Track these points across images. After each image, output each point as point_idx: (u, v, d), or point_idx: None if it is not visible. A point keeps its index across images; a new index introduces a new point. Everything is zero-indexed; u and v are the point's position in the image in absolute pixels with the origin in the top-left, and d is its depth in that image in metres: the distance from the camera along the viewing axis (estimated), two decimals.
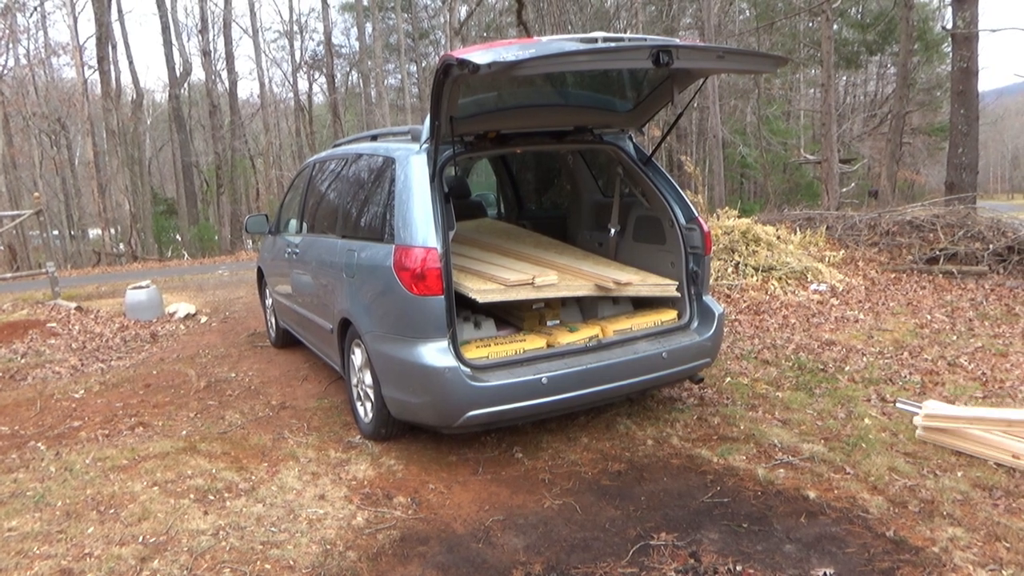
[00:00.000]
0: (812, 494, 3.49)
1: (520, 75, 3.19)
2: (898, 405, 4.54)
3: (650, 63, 3.25)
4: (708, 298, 4.47)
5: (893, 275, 8.95)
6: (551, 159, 5.92)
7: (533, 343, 4.09)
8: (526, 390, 3.77)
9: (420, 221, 3.78)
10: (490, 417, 3.75)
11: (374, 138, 4.92)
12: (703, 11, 21.64)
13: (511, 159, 6.28)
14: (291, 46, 32.86)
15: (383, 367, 4.03)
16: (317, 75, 34.46)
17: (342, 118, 30.20)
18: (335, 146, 5.86)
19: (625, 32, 28.55)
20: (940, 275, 8.73)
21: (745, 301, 7.78)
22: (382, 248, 4.00)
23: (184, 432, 4.73)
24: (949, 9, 14.10)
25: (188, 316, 8.89)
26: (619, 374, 3.99)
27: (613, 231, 4.94)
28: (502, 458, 4.10)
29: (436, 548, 3.17)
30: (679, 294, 4.44)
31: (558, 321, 4.46)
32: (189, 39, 47.41)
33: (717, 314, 4.39)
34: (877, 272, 9.12)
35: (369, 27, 30.65)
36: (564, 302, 4.58)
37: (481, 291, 3.94)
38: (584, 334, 4.20)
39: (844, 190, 19.24)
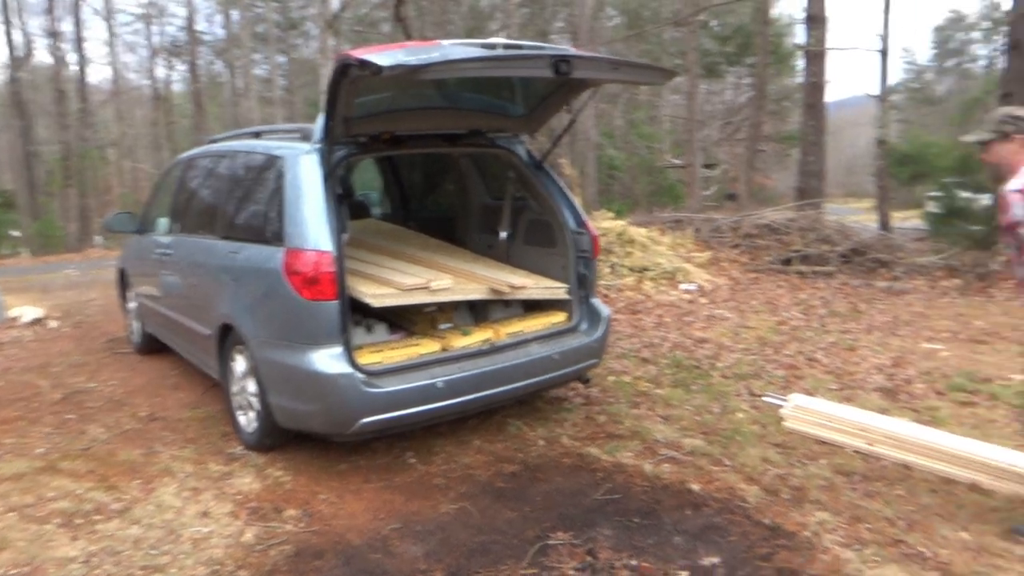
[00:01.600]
0: (696, 487, 3.69)
1: (421, 79, 3.16)
2: (765, 399, 4.88)
3: (550, 72, 3.31)
4: (596, 300, 4.61)
5: (754, 275, 9.58)
6: (438, 160, 5.89)
7: (428, 347, 4.07)
8: (422, 395, 3.74)
9: (312, 223, 3.66)
10: (385, 423, 3.69)
11: (257, 135, 4.71)
12: (576, 16, 22.22)
13: (397, 159, 6.20)
14: (148, 30, 30.70)
15: (270, 374, 3.87)
16: (177, 63, 32.50)
17: (205, 109, 28.63)
18: (211, 142, 5.57)
19: (499, 34, 28.82)
20: (794, 275, 9.44)
21: (622, 301, 8.08)
22: (269, 250, 3.84)
23: (41, 450, 4.35)
24: (802, 27, 15.21)
25: (35, 321, 8.15)
26: (513, 376, 4.04)
27: (504, 234, 4.99)
28: (394, 464, 4.05)
29: (333, 562, 3.09)
30: (569, 297, 4.54)
31: (451, 324, 4.46)
32: (32, 18, 43.39)
33: (604, 316, 4.53)
34: (740, 272, 9.73)
35: (235, 14, 29.25)
36: (456, 305, 4.58)
37: (376, 295, 3.87)
38: (478, 337, 4.22)
39: (706, 193, 20.37)
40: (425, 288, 4.03)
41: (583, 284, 4.53)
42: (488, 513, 3.48)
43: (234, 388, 4.37)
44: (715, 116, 39.43)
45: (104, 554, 3.15)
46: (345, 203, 3.93)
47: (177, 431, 4.61)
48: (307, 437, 4.14)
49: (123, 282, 6.72)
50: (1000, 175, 3.16)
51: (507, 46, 3.35)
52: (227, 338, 4.34)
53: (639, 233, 9.64)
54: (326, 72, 21.07)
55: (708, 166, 21.66)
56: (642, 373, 5.51)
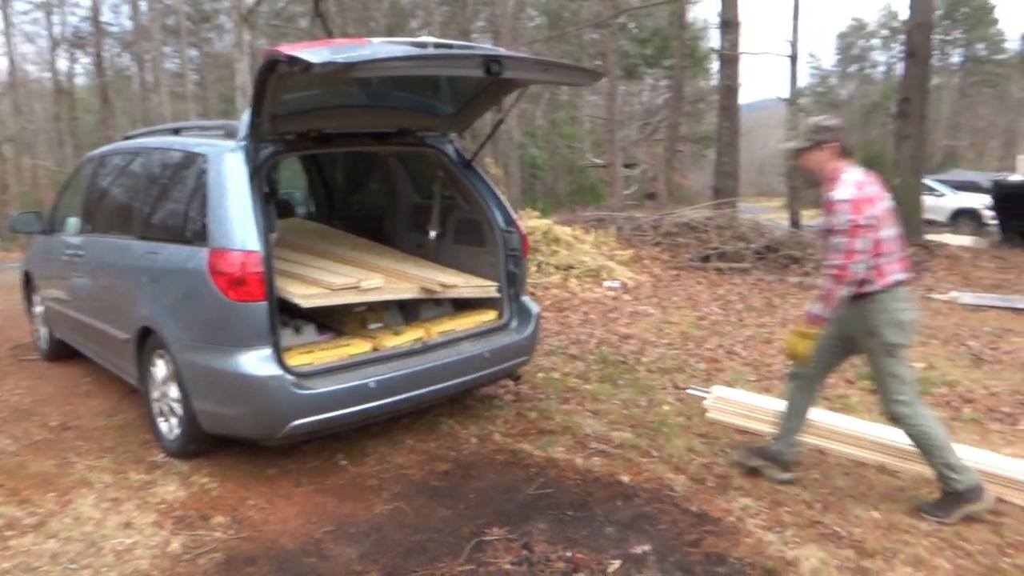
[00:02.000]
0: (626, 478, 3.78)
1: (352, 77, 3.14)
2: (689, 391, 5.05)
3: (481, 72, 3.34)
4: (526, 298, 4.67)
5: (675, 272, 9.87)
6: (364, 159, 5.83)
7: (359, 347, 4.03)
8: (354, 395, 3.71)
9: (238, 222, 3.57)
10: (317, 425, 3.64)
11: (177, 131, 4.56)
12: (497, 16, 22.31)
13: (322, 158, 6.10)
14: (48, 20, 29.04)
15: (194, 378, 3.76)
16: (81, 55, 30.88)
17: (112, 104, 27.34)
18: (126, 138, 5.35)
19: (421, 32, 28.66)
20: (712, 271, 9.77)
21: (549, 299, 8.18)
22: (192, 251, 3.73)
23: None
24: (716, 31, 15.72)
25: None
26: (445, 375, 4.05)
27: (433, 233, 4.99)
28: (325, 467, 4.00)
29: (266, 567, 3.03)
30: (499, 295, 4.58)
31: (381, 324, 4.43)
32: None
33: (534, 313, 4.59)
34: (661, 269, 10.00)
35: (144, 5, 28.04)
36: (386, 305, 4.55)
37: (305, 296, 3.81)
38: (409, 336, 4.21)
39: (626, 192, 20.81)
40: (355, 288, 3.99)
41: (513, 282, 4.57)
42: (423, 512, 3.48)
43: (154, 394, 4.22)
44: (634, 117, 40.31)
45: (19, 571, 2.99)
46: (272, 202, 3.84)
47: (92, 440, 4.42)
48: (234, 442, 4.04)
49: (28, 285, 6.38)
50: (814, 181, 3.43)
51: (437, 45, 3.36)
52: (146, 342, 4.19)
53: (564, 232, 9.79)
54: (241, 67, 20.49)
55: (628, 166, 22.14)
56: (570, 369, 5.61)
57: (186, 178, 4.07)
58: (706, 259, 10.04)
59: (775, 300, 8.35)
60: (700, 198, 22.03)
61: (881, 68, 60.00)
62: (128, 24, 31.20)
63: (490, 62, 3.38)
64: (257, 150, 3.73)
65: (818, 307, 3.30)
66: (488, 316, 4.59)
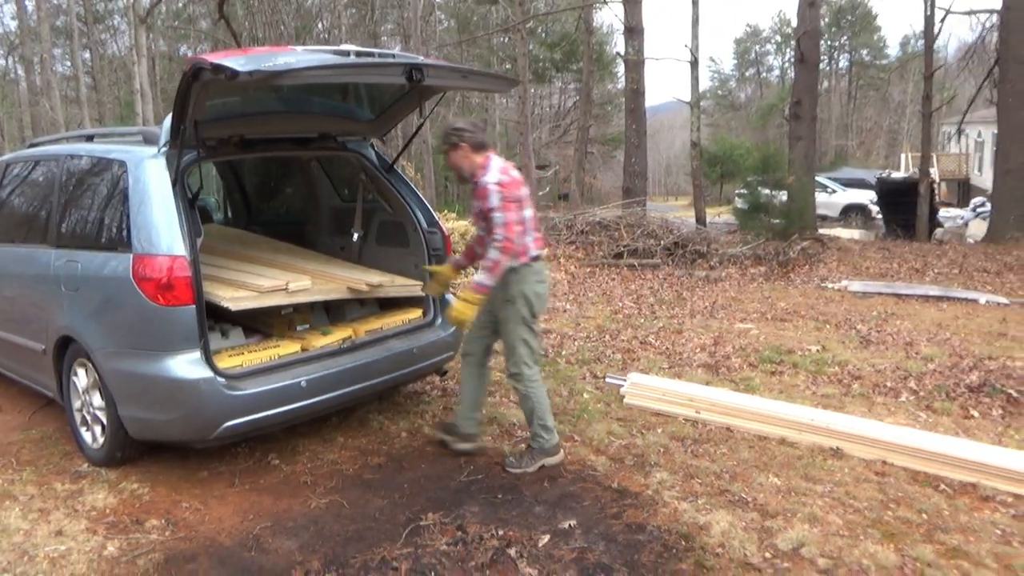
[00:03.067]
0: None
1: (278, 85, 3.23)
2: (607, 380, 5.33)
3: (404, 79, 3.48)
4: (449, 296, 4.82)
5: (589, 269, 10.22)
6: (282, 164, 5.86)
7: (288, 348, 4.10)
8: (285, 395, 3.79)
9: (163, 228, 3.59)
10: (250, 425, 3.70)
11: (90, 138, 4.50)
12: (407, 19, 22.33)
13: (238, 164, 6.08)
14: None
15: (121, 385, 3.75)
16: None
17: None
18: (31, 146, 5.20)
19: (329, 36, 28.33)
20: (625, 268, 10.17)
21: None
22: (116, 258, 3.72)
23: None
24: (622, 37, 16.26)
25: None
26: (374, 372, 4.17)
27: (356, 236, 5.08)
28: (258, 467, 4.05)
29: (207, 563, 3.10)
30: (424, 293, 4.73)
31: (308, 325, 4.50)
32: None
33: None
34: (576, 267, 10.34)
35: (30, 5, 26.60)
36: (312, 307, 4.63)
37: (233, 299, 3.86)
38: (338, 336, 4.31)
39: (540, 193, 21.22)
40: (284, 290, 4.06)
41: None
42: (359, 504, 3.60)
43: (76, 404, 4.17)
44: (545, 119, 41.03)
45: None
46: (196, 207, 3.87)
47: (9, 454, 4.31)
48: (162, 448, 4.04)
49: None
50: (463, 176, 3.87)
51: (359, 53, 3.48)
52: (66, 352, 4.13)
53: None
54: (140, 70, 19.77)
55: (541, 167, 22.57)
56: (494, 364, 5.78)
57: (104, 185, 4.04)
58: (619, 256, 10.44)
59: (684, 293, 8.80)
60: (611, 198, 22.69)
61: (776, 72, 63.15)
62: (12, 25, 29.50)
63: (412, 70, 3.53)
64: (179, 156, 3.75)
65: (483, 276, 3.69)
66: (414, 314, 4.73)
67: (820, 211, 19.81)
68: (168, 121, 3.70)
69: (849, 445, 4.09)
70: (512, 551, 3.06)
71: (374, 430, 4.48)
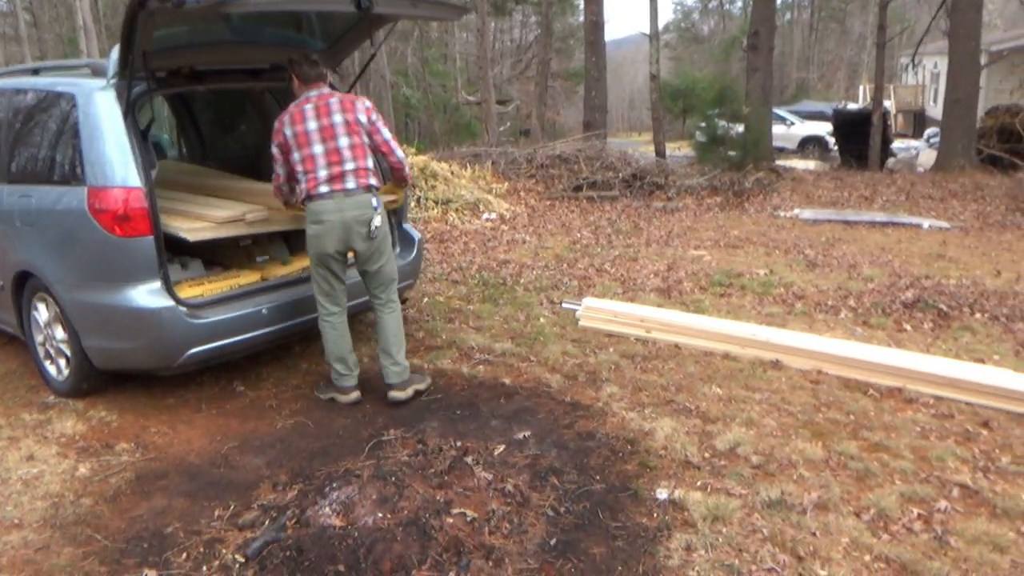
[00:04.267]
0: (507, 380, 4.20)
1: (225, 13, 3.22)
2: (563, 305, 5.51)
3: (353, 7, 3.49)
4: (407, 226, 4.92)
5: (549, 202, 10.33)
6: (237, 98, 5.80)
7: (248, 278, 4.18)
8: (246, 322, 3.89)
9: (117, 160, 3.61)
10: (213, 352, 3.81)
11: (36, 72, 4.42)
12: None
13: (191, 97, 6.00)
14: None
15: (83, 317, 3.81)
16: None
17: None
18: None
19: None
20: (584, 200, 10.31)
21: (430, 232, 8.45)
22: (70, 191, 3.73)
23: None
24: None
25: None
26: None
27: None
28: (224, 394, 4.18)
29: (177, 480, 3.24)
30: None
31: (267, 257, 4.57)
32: None
33: (416, 240, 4.87)
34: (536, 200, 10.44)
35: None
36: (270, 238, 4.68)
37: (191, 230, 3.91)
38: (297, 266, 4.40)
39: (501, 129, 21.08)
40: (241, 220, 4.12)
41: (395, 211, 4.80)
42: (323, 423, 3.76)
43: (39, 338, 4.22)
44: (506, 54, 40.33)
45: None
46: (149, 138, 3.88)
47: None
48: (127, 377, 4.14)
49: None
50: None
51: None
52: (25, 287, 4.17)
53: (441, 168, 10.00)
54: (83, 5, 18.95)
55: (501, 103, 22.39)
56: (453, 293, 5.95)
57: (54, 119, 4.01)
58: (578, 189, 10.55)
59: (641, 223, 8.98)
60: (574, 133, 22.64)
61: (739, 4, 62.41)
62: None
63: None
64: (129, 88, 3.73)
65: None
66: None
67: (779, 143, 20.06)
68: (116, 52, 3.68)
69: (787, 357, 4.35)
70: (469, 459, 3.25)
71: None
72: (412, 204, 9.09)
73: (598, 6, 15.16)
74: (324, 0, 3.59)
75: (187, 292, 3.89)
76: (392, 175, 4.21)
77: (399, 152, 4.01)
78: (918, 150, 18.29)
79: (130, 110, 3.75)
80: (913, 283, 5.90)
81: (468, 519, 2.74)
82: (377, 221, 3.74)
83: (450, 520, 2.71)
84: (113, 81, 3.78)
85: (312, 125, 3.70)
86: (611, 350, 4.61)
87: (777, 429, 3.55)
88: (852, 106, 19.40)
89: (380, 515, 2.70)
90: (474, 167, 11.08)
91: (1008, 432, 3.53)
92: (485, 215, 9.28)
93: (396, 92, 29.69)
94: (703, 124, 12.15)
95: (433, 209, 9.10)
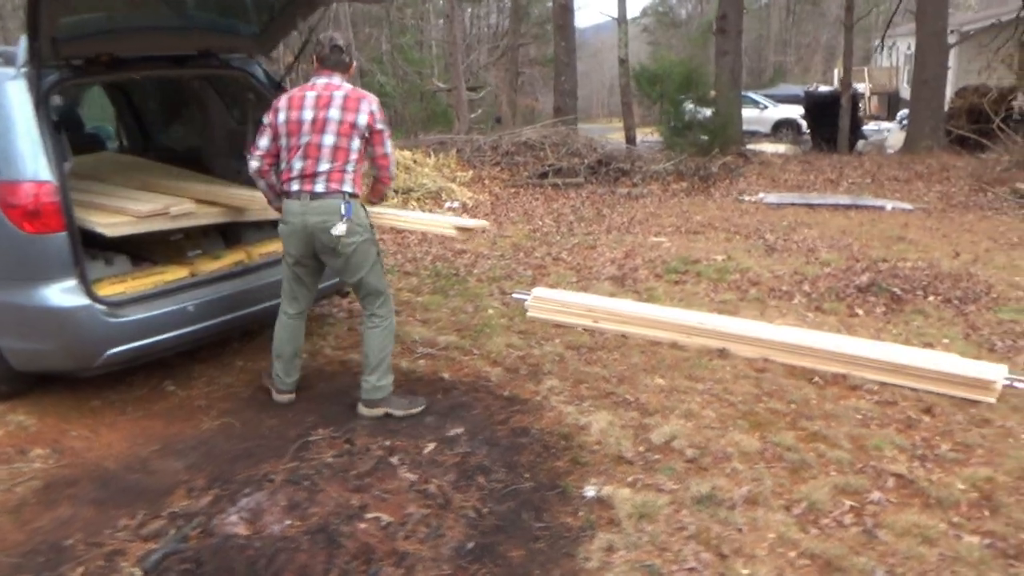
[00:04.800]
0: (447, 375, 4.09)
1: None
2: (514, 296, 5.40)
3: None
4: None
5: (513, 190, 10.20)
6: (178, 87, 5.61)
7: (175, 273, 4.03)
8: (171, 320, 3.75)
9: (26, 153, 3.43)
10: (135, 352, 3.66)
11: None
12: None
13: (131, 87, 5.81)
14: None
15: None
16: None
17: None
18: None
19: None
20: (549, 187, 10.18)
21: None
22: None
23: None
24: None
25: None
26: (269, 295, 4.11)
27: None
28: (153, 394, 4.03)
29: (88, 487, 3.10)
30: None
31: (200, 251, 4.42)
32: None
33: None
34: (500, 188, 10.31)
35: None
36: (206, 232, 4.53)
37: (110, 225, 3.75)
38: (229, 260, 4.25)
39: (473, 116, 20.86)
40: (164, 214, 3.96)
41: None
42: (251, 424, 3.63)
43: None
44: (483, 40, 39.95)
45: None
46: (63, 131, 3.70)
47: None
48: (54, 379, 3.98)
49: None
50: None
51: None
52: None
53: (404, 156, 9.83)
54: None
55: (472, 89, 22.17)
56: (404, 284, 5.82)
57: None
58: (543, 176, 10.42)
59: (604, 210, 8.88)
60: (549, 119, 22.45)
61: None
62: None
63: None
64: (40, 77, 3.56)
65: None
66: None
67: (752, 127, 20.00)
68: (24, 39, 3.50)
69: (734, 345, 4.26)
70: (395, 459, 3.14)
71: None
72: None
73: None
74: None
75: (108, 290, 3.73)
76: (374, 189, 3.81)
77: (392, 170, 3.66)
78: (890, 132, 18.31)
79: (43, 101, 3.58)
80: (869, 267, 5.84)
81: (382, 524, 2.63)
82: (340, 229, 3.38)
83: (362, 526, 2.60)
84: (24, 70, 3.60)
85: (308, 115, 3.38)
86: (557, 341, 4.51)
87: (716, 420, 3.46)
88: (823, 88, 19.37)
89: (288, 522, 2.58)
90: (439, 155, 10.91)
91: (950, 418, 3.47)
92: (448, 204, 9.14)
93: (371, 79, 29.30)
94: (671, 109, 12.05)
95: (393, 199, 8.95)
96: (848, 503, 2.81)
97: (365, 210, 3.57)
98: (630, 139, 13.97)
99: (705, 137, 11.71)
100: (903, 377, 3.80)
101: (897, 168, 11.35)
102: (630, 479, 2.99)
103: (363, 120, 3.41)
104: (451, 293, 5.56)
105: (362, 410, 3.65)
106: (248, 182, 4.90)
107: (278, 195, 3.61)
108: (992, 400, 3.60)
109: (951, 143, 13.40)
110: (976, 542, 2.56)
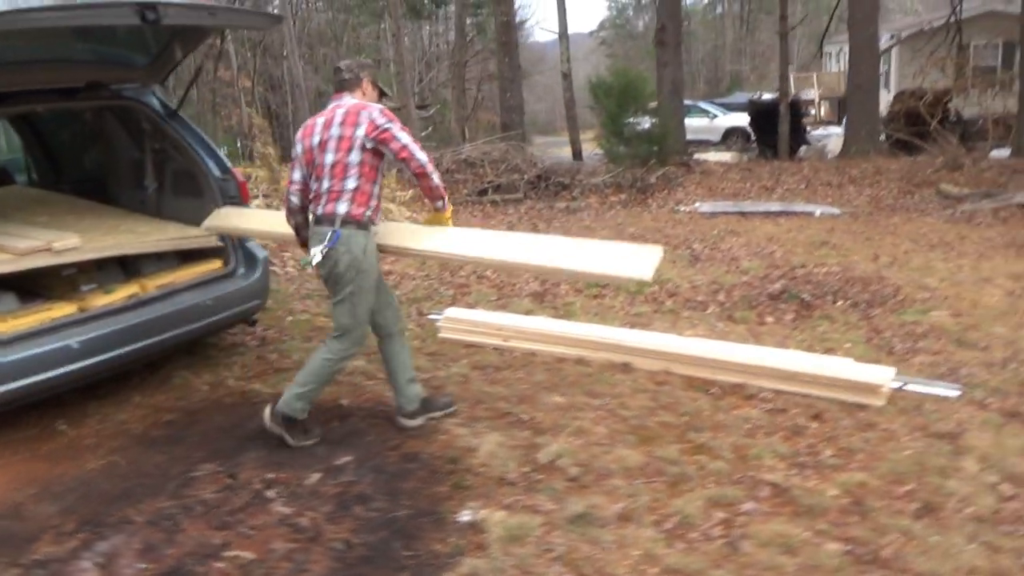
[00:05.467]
0: (346, 401, 4.04)
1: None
2: (430, 316, 5.38)
3: (136, 19, 3.29)
4: (252, 244, 4.72)
5: (452, 208, 10.18)
6: (82, 118, 5.54)
7: (62, 310, 3.94)
8: (55, 358, 3.66)
9: None
10: (16, 393, 3.56)
11: None
12: None
13: (37, 120, 5.72)
14: None
15: None
16: None
17: None
18: None
19: None
20: (488, 204, 10.20)
21: None
22: None
23: None
24: None
25: None
26: (163, 327, 4.06)
27: (151, 188, 4.89)
28: (43, 434, 3.91)
29: None
30: (222, 243, 4.60)
31: (94, 285, 4.33)
32: None
33: (261, 258, 4.67)
34: None
35: None
36: (101, 265, 4.43)
37: None
38: (123, 293, 4.17)
39: (424, 134, 20.86)
40: (47, 250, 3.88)
41: None
42: (137, 462, 3.54)
43: None
44: (442, 58, 40.06)
45: None
46: None
47: None
48: None
49: None
50: None
51: None
52: None
53: None
54: None
55: (422, 107, 22.19)
56: (322, 310, 5.75)
57: None
58: (483, 193, 10.45)
59: (540, 225, 8.91)
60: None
61: None
62: None
63: (144, 10, 3.34)
64: None
65: None
66: (213, 265, 4.60)
67: (702, 136, 20.28)
68: None
69: (638, 359, 4.28)
70: (271, 492, 3.09)
71: (175, 386, 4.39)
72: None
73: (508, 7, 15.10)
74: (102, 15, 3.38)
75: None
76: (419, 186, 3.67)
77: (420, 155, 3.39)
78: (831, 137, 18.66)
79: None
80: (785, 274, 5.92)
81: (242, 562, 2.58)
82: (316, 258, 3.33)
83: (219, 565, 2.55)
84: None
85: (316, 140, 3.38)
86: (464, 362, 4.49)
87: (606, 437, 3.46)
88: (767, 96, 19.71)
89: (142, 566, 2.52)
90: None
91: (836, 424, 3.50)
92: None
93: (326, 101, 29.19)
94: (608, 122, 12.14)
95: None
96: (720, 515, 2.81)
97: (366, 238, 3.40)
98: (576, 153, 14.06)
99: (646, 148, 11.81)
100: (797, 384, 3.84)
101: (833, 173, 11.55)
102: (508, 501, 2.97)
103: (361, 131, 3.30)
104: None
105: (266, 413, 3.58)
106: (152, 212, 4.90)
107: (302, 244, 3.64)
108: (880, 403, 3.65)
109: (891, 147, 13.70)
110: (837, 549, 2.58)
